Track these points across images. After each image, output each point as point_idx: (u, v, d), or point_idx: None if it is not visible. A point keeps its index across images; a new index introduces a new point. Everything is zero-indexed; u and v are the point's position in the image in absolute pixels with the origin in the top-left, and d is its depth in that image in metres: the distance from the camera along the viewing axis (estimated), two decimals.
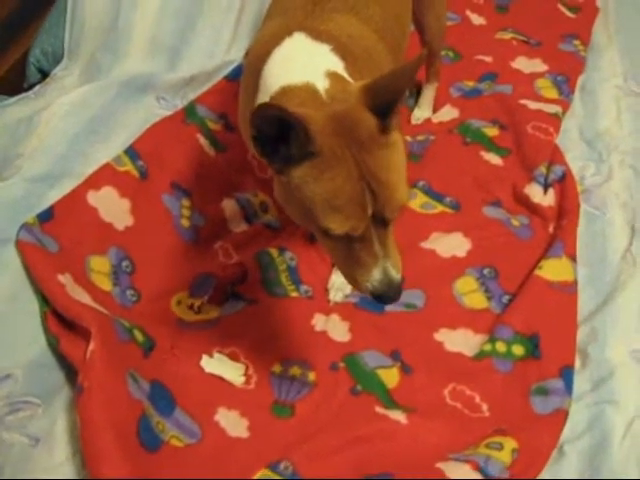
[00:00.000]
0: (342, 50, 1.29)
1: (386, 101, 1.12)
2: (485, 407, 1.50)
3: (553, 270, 1.68)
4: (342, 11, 1.43)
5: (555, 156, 1.99)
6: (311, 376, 1.56)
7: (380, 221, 1.15)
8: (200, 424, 1.47)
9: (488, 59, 2.41)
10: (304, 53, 1.29)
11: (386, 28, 1.53)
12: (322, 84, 1.19)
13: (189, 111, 2.02)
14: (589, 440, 1.43)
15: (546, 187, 1.93)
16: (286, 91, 1.19)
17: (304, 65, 1.24)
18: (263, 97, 1.27)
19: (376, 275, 1.16)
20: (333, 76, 1.21)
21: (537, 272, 1.68)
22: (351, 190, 1.10)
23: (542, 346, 1.56)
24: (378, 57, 1.44)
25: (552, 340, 1.57)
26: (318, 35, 1.31)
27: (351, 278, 1.21)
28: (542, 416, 1.47)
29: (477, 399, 1.51)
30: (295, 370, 1.57)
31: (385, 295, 1.17)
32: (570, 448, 1.42)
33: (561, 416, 1.46)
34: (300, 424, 1.48)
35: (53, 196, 1.66)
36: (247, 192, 1.93)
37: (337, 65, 1.26)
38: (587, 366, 1.55)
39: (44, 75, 2.18)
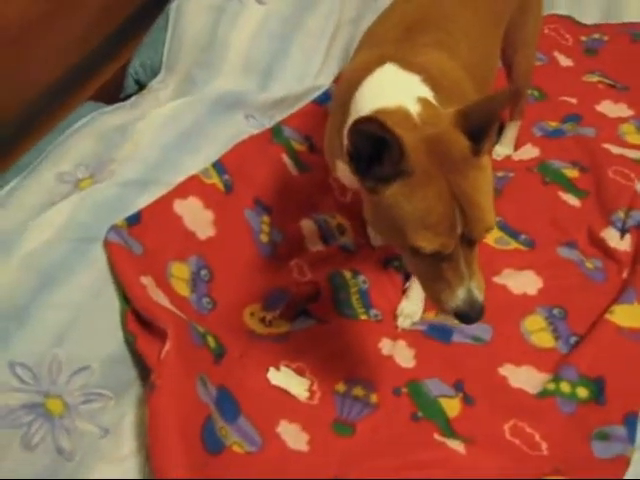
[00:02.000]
0: (432, 81, 1.32)
1: (480, 124, 1.14)
2: (544, 446, 1.49)
3: (624, 316, 1.66)
4: (433, 46, 1.47)
5: (634, 202, 1.96)
6: (374, 398, 1.59)
7: (467, 242, 1.17)
8: (262, 434, 1.51)
9: (573, 101, 2.41)
10: (396, 81, 1.32)
11: (474, 65, 1.56)
12: (414, 108, 1.22)
13: (276, 131, 2.08)
14: None
15: (623, 232, 1.91)
16: (379, 113, 1.21)
17: (396, 91, 1.28)
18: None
19: (460, 295, 1.18)
20: (424, 102, 1.24)
21: (607, 316, 1.67)
22: (442, 209, 1.12)
23: (607, 391, 1.54)
24: (466, 92, 1.46)
25: (618, 386, 1.55)
26: (409, 66, 1.34)
27: (435, 297, 1.23)
28: (602, 460, 1.46)
29: (537, 437, 1.51)
30: (359, 391, 1.60)
31: (467, 315, 1.19)
32: None
33: (622, 463, 1.44)
34: (359, 444, 1.51)
35: (142, 201, 1.72)
36: (326, 213, 1.97)
37: (427, 94, 1.29)
38: None
39: (141, 87, 2.28)
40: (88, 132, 1.93)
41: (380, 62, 1.36)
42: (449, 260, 1.17)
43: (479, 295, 1.19)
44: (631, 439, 1.48)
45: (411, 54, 1.40)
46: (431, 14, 1.56)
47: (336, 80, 2.29)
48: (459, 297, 1.18)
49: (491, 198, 1.19)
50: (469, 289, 1.18)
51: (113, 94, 2.28)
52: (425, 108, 1.22)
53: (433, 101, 1.27)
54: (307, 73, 2.26)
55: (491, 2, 1.72)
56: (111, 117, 2.02)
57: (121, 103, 2.14)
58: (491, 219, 1.17)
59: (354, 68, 1.46)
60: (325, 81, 2.29)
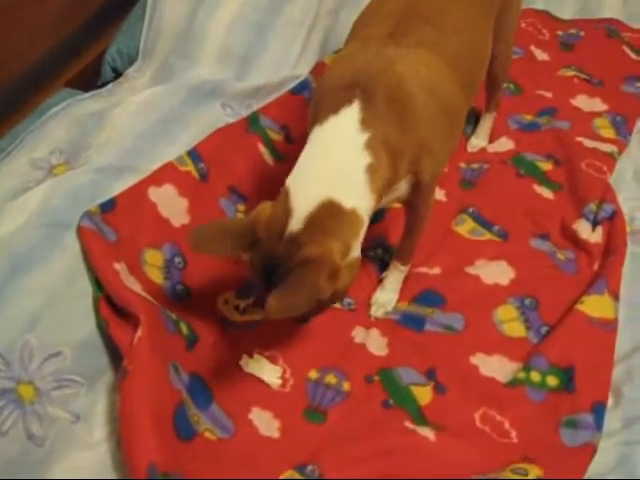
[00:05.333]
0: (381, 136, 1.39)
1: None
2: (514, 434, 1.51)
3: (594, 306, 1.69)
4: (417, 46, 1.49)
5: (607, 194, 1.99)
6: (346, 385, 1.60)
7: None
8: (234, 420, 1.52)
9: (548, 94, 2.43)
10: (337, 160, 1.39)
11: (464, 59, 1.59)
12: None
13: (252, 120, 2.08)
14: (615, 478, 1.43)
15: (595, 224, 1.93)
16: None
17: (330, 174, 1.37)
18: None
19: None
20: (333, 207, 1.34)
21: (578, 306, 1.69)
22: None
23: (576, 380, 1.56)
24: (442, 96, 1.49)
25: (587, 375, 1.58)
26: (369, 110, 1.39)
27: None
28: (570, 448, 1.48)
29: (506, 425, 1.53)
30: (331, 378, 1.61)
31: None
32: None
33: (589, 451, 1.46)
34: (330, 430, 1.52)
35: (116, 188, 1.72)
36: None
37: (363, 164, 1.37)
38: (620, 405, 1.56)
39: (117, 74, 2.26)
40: (63, 118, 1.92)
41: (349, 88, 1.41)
42: None
43: None
44: (598, 427, 1.50)
45: (388, 62, 1.43)
46: (421, 7, 1.58)
47: (314, 70, 2.30)
48: None
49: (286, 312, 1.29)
50: None
51: (89, 81, 2.27)
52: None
53: (361, 178, 1.36)
54: (285, 63, 2.26)
55: None
56: (87, 104, 2.01)
57: (97, 90, 2.13)
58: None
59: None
60: (303, 71, 2.29)
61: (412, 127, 1.42)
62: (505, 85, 2.27)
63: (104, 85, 2.19)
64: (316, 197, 1.32)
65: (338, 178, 1.35)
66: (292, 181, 1.38)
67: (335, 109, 1.39)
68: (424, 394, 1.59)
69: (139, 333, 1.44)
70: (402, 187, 1.53)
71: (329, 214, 1.32)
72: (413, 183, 1.53)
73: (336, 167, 1.36)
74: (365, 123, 1.37)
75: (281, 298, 1.23)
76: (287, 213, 1.32)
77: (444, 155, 1.57)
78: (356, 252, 1.39)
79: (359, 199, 1.36)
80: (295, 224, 1.31)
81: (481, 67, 1.77)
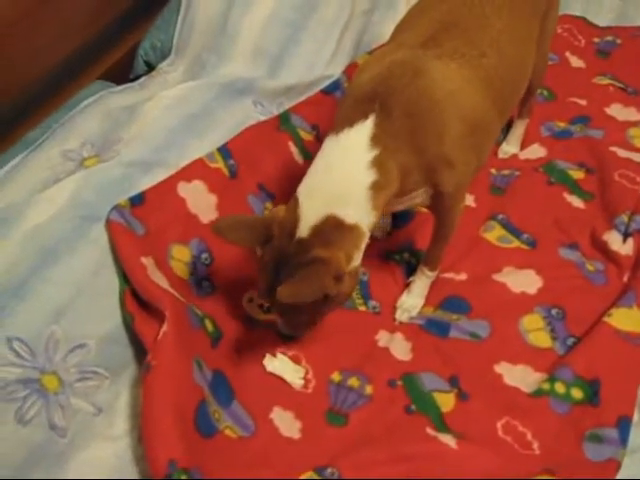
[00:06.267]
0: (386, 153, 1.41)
1: None
2: (536, 445, 1.49)
3: (623, 319, 1.66)
4: (446, 58, 1.48)
5: (639, 206, 1.96)
6: (368, 389, 1.59)
7: None
8: (255, 419, 1.52)
9: (582, 102, 2.40)
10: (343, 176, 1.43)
11: (503, 72, 1.58)
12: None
13: (284, 119, 2.08)
14: None
15: (626, 236, 1.90)
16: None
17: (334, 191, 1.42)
18: None
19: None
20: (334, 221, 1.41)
21: (606, 319, 1.66)
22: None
23: (602, 393, 1.54)
24: (460, 105, 1.48)
25: (613, 389, 1.55)
26: (382, 127, 1.42)
27: None
28: (593, 463, 1.46)
29: (529, 436, 1.51)
30: (354, 381, 1.61)
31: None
32: None
33: (612, 466, 1.44)
34: (351, 434, 1.52)
35: (146, 182, 1.72)
36: None
37: (367, 181, 1.41)
38: None
39: (150, 68, 2.27)
40: (95, 111, 1.93)
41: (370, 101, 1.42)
42: None
43: (284, 331, 1.63)
44: (623, 442, 1.47)
45: (413, 73, 1.43)
46: (460, 19, 1.57)
47: (346, 70, 2.29)
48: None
49: (291, 314, 1.51)
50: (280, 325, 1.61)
51: (122, 75, 2.28)
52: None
53: (364, 195, 1.41)
54: (317, 62, 2.25)
55: (531, 4, 1.73)
56: (119, 97, 2.02)
57: (130, 84, 2.14)
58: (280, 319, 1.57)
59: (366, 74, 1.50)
60: (335, 71, 2.29)
61: (429, 141, 1.44)
62: (538, 91, 2.25)
63: (137, 79, 2.20)
64: (320, 211, 1.39)
65: (341, 195, 1.41)
66: (301, 190, 1.44)
67: (351, 121, 1.42)
68: (447, 401, 1.58)
69: (164, 328, 1.45)
70: (419, 196, 1.55)
71: (332, 227, 1.39)
72: (432, 193, 1.54)
73: (340, 184, 1.41)
74: (376, 139, 1.40)
75: (291, 285, 1.32)
76: (296, 220, 1.40)
77: (468, 169, 1.56)
78: (356, 262, 1.45)
79: (361, 215, 1.42)
80: (302, 231, 1.39)
81: (520, 85, 1.76)
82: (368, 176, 1.40)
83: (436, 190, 1.52)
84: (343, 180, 1.41)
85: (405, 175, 1.44)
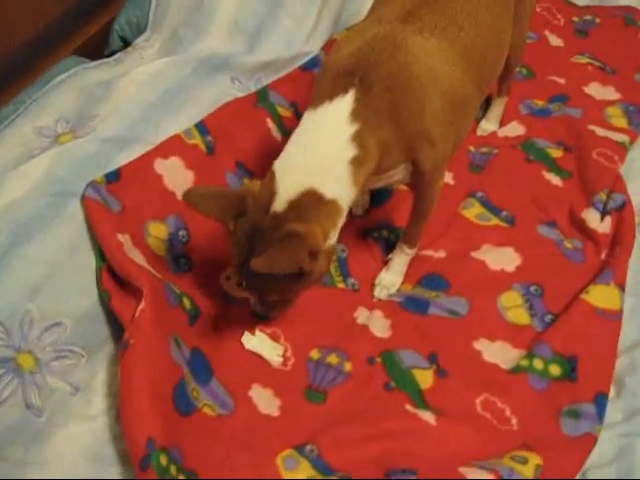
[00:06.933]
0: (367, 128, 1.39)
1: None
2: (514, 421, 1.51)
3: (600, 296, 1.67)
4: (425, 33, 1.46)
5: (617, 184, 1.97)
6: (347, 366, 1.59)
7: None
8: (234, 397, 1.51)
9: (561, 81, 2.40)
10: (324, 145, 1.40)
11: (481, 48, 1.57)
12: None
13: (261, 95, 2.05)
14: (615, 470, 1.43)
15: (603, 214, 1.91)
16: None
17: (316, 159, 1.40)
18: None
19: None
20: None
21: (583, 296, 1.67)
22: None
23: (579, 369, 1.56)
24: (438, 80, 1.47)
25: (590, 365, 1.57)
26: (363, 101, 1.39)
27: None
28: (570, 438, 1.47)
29: (507, 412, 1.52)
30: (332, 358, 1.60)
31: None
32: (594, 474, 1.43)
33: (589, 441, 1.46)
34: (330, 411, 1.51)
35: (122, 159, 1.70)
36: None
37: (347, 157, 1.38)
38: (622, 396, 1.55)
39: (126, 44, 2.24)
40: (70, 87, 1.91)
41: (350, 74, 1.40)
42: None
43: (260, 311, 1.60)
44: (600, 418, 1.49)
45: (393, 48, 1.41)
46: None
47: (325, 46, 2.27)
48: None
49: (266, 292, 1.50)
50: (254, 305, 1.58)
51: (97, 50, 2.24)
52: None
53: (344, 170, 1.39)
54: (296, 38, 2.23)
55: None
56: (94, 73, 1.99)
57: (105, 59, 2.11)
58: (255, 296, 1.56)
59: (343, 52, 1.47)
60: (314, 47, 2.27)
61: (409, 117, 1.42)
62: (517, 69, 2.24)
63: (112, 54, 2.17)
64: (299, 185, 1.36)
65: (321, 169, 1.38)
66: (278, 165, 1.41)
67: (330, 95, 1.39)
68: (426, 378, 1.58)
69: (142, 306, 1.43)
70: (399, 173, 1.53)
71: (310, 202, 1.37)
72: (412, 170, 1.52)
73: (320, 158, 1.39)
74: (356, 114, 1.38)
75: (266, 257, 1.30)
76: (272, 193, 1.37)
77: (448, 145, 1.55)
78: (332, 240, 1.43)
79: (341, 191, 1.40)
80: (278, 205, 1.36)
81: (498, 60, 1.74)
82: (349, 151, 1.38)
83: (415, 167, 1.51)
84: (323, 154, 1.39)
85: (385, 151, 1.42)
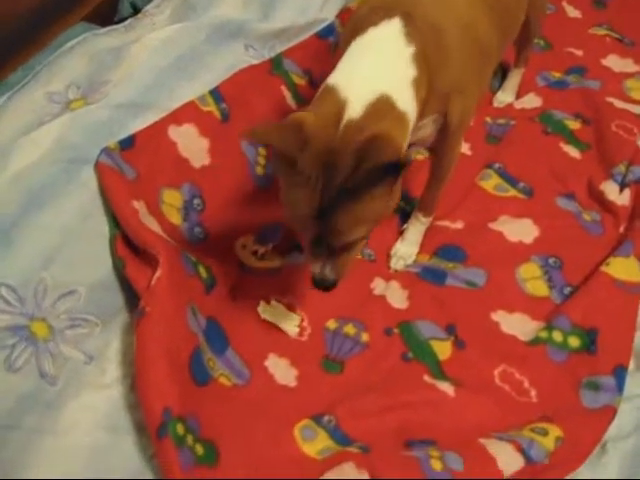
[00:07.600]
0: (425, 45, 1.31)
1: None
2: (533, 393, 1.49)
3: (620, 268, 1.65)
4: None
5: (636, 157, 1.94)
6: (364, 337, 1.57)
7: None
8: (250, 367, 1.50)
9: (579, 53, 2.37)
10: (384, 60, 1.31)
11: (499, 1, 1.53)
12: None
13: (276, 63, 2.01)
14: (633, 442, 1.42)
15: (622, 186, 1.89)
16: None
17: (376, 76, 1.28)
18: None
19: (314, 270, 1.34)
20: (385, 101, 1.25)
21: (603, 268, 1.65)
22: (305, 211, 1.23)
23: (599, 342, 1.54)
24: (471, 26, 1.43)
25: (609, 337, 1.55)
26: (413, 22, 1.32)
27: None
28: (590, 410, 1.46)
29: (526, 384, 1.51)
30: (349, 329, 1.59)
31: (317, 285, 1.36)
32: (613, 447, 1.41)
33: (609, 413, 1.44)
34: (348, 381, 1.50)
35: (135, 125, 1.67)
36: None
37: (409, 77, 1.29)
38: None
39: (136, 11, 2.19)
40: (80, 52, 1.86)
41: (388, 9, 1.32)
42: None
43: (329, 275, 1.33)
44: (619, 390, 1.48)
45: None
46: None
47: (340, 14, 2.24)
48: (314, 271, 1.34)
49: (358, 222, 1.24)
50: (322, 268, 1.33)
51: (107, 17, 2.20)
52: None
53: (409, 87, 1.29)
54: (311, 5, 2.19)
55: None
56: (104, 39, 1.94)
57: (115, 26, 2.05)
58: (342, 240, 1.26)
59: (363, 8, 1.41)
60: (329, 14, 2.22)
61: (446, 61, 1.36)
62: (535, 41, 2.21)
63: (121, 21, 2.12)
64: (373, 89, 1.23)
65: (391, 78, 1.27)
66: (337, 78, 1.27)
67: (375, 22, 1.32)
68: (444, 349, 1.57)
69: (158, 274, 1.41)
70: (428, 127, 1.46)
71: (386, 108, 1.24)
72: (441, 125, 1.47)
73: (388, 67, 1.28)
74: (410, 36, 1.30)
75: (364, 147, 1.16)
76: (340, 105, 1.21)
77: (473, 98, 1.51)
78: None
79: (407, 105, 1.28)
80: (353, 112, 1.20)
81: (519, 11, 1.71)
82: (411, 69, 1.29)
83: (444, 120, 1.45)
84: (390, 64, 1.29)
85: (429, 89, 1.35)
